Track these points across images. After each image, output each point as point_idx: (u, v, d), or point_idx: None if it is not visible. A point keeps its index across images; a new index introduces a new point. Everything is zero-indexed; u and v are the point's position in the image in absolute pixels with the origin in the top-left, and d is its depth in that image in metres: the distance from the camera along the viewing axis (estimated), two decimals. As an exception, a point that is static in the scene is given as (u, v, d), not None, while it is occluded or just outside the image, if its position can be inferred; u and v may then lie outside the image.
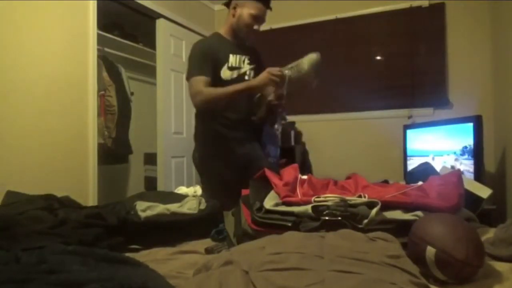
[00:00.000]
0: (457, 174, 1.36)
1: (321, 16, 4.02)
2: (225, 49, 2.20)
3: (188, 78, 2.11)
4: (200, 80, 2.05)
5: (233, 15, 2.20)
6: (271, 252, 0.97)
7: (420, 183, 1.44)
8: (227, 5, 2.27)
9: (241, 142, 2.24)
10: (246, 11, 2.16)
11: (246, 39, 2.28)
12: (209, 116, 2.23)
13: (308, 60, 2.01)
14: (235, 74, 2.21)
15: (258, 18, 2.19)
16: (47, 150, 2.66)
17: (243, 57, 2.25)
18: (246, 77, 2.25)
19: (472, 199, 1.63)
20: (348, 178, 1.66)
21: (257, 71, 2.24)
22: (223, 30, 2.28)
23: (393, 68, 3.73)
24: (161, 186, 3.74)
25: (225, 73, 2.17)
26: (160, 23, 3.82)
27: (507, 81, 2.83)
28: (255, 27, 2.20)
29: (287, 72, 2.01)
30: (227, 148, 2.22)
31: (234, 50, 2.22)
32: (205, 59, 2.10)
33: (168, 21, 3.88)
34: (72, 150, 2.85)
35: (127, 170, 4.58)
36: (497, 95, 3.20)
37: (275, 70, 1.96)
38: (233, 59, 2.20)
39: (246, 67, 2.26)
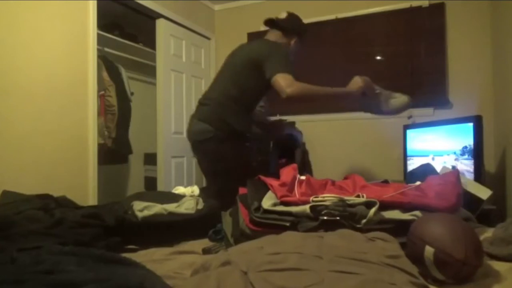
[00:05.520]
0: (455, 174, 1.35)
1: (321, 16, 4.01)
2: None
3: (280, 71, 2.12)
4: (291, 76, 2.10)
5: (289, 44, 2.41)
6: (269, 252, 0.97)
7: (418, 183, 1.44)
8: (285, 31, 2.40)
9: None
10: (297, 47, 2.45)
11: None
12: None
13: (403, 100, 2.22)
14: None
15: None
16: (47, 150, 2.66)
17: None
18: None
19: (472, 200, 1.63)
20: (346, 178, 1.66)
21: None
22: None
23: (393, 68, 3.72)
24: (161, 186, 3.74)
25: None
26: (160, 23, 3.82)
27: (507, 81, 2.82)
28: None
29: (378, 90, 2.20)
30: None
31: None
32: (291, 61, 2.23)
33: (168, 21, 3.88)
34: (72, 150, 2.85)
35: (127, 170, 4.58)
36: (497, 95, 3.19)
37: (367, 78, 2.13)
38: None
39: None
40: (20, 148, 2.50)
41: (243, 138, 2.32)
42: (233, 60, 2.37)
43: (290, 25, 2.43)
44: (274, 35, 2.41)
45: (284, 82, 2.06)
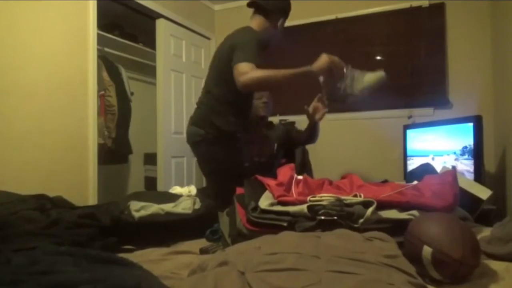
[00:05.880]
0: (453, 174, 1.35)
1: (321, 16, 4.01)
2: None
3: (242, 60, 1.97)
4: (251, 65, 1.94)
5: (275, 27, 2.31)
6: (267, 252, 0.97)
7: (415, 182, 1.44)
8: (268, 13, 2.29)
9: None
10: (282, 26, 2.35)
11: (272, 46, 2.37)
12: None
13: (378, 75, 1.99)
14: None
15: None
16: (47, 150, 2.66)
17: None
18: None
19: (472, 200, 1.62)
20: (343, 178, 1.66)
21: None
22: (257, 29, 2.26)
23: (393, 68, 3.71)
24: (161, 186, 3.74)
25: None
26: (160, 23, 3.82)
27: (507, 81, 2.82)
28: None
29: (348, 67, 1.97)
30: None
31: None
32: (259, 51, 2.07)
33: (168, 21, 3.88)
34: (72, 150, 2.85)
35: (127, 170, 4.58)
36: (497, 95, 3.18)
37: (336, 57, 1.94)
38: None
39: None
40: (20, 148, 2.50)
41: (233, 138, 2.26)
42: (214, 57, 2.31)
43: (273, 6, 2.29)
44: (257, 21, 2.28)
45: (241, 70, 1.91)
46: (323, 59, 1.93)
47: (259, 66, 1.95)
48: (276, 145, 2.84)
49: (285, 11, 2.36)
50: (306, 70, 1.94)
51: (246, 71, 1.90)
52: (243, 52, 1.99)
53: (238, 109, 2.26)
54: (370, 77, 1.96)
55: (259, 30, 2.24)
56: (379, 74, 1.97)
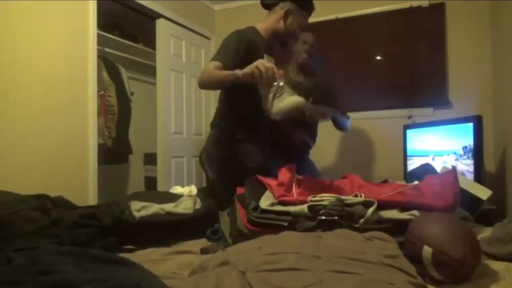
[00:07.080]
0: (453, 174, 1.35)
1: (321, 16, 4.00)
2: (262, 48, 2.14)
3: (210, 61, 2.00)
4: (214, 64, 1.93)
5: (284, 22, 2.16)
6: (267, 252, 0.97)
7: (416, 182, 1.44)
8: (269, 6, 2.21)
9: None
10: (296, 20, 2.17)
11: (288, 45, 2.30)
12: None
13: (294, 102, 1.72)
14: None
15: (303, 27, 2.24)
16: (47, 150, 2.66)
17: (272, 59, 2.25)
18: None
19: (472, 200, 1.63)
20: (344, 177, 1.66)
21: None
22: (261, 28, 2.20)
23: (393, 68, 3.72)
24: (161, 186, 3.74)
25: None
26: (160, 23, 3.82)
27: (507, 81, 2.82)
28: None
29: (279, 82, 1.74)
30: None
31: (268, 51, 2.16)
32: (236, 51, 1.99)
33: (168, 21, 3.88)
34: (72, 150, 2.85)
35: (127, 170, 4.58)
36: (497, 95, 3.18)
37: (267, 63, 1.77)
38: (266, 60, 2.21)
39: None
40: (20, 148, 2.50)
41: (233, 140, 2.24)
42: None
43: None
44: (263, 20, 2.23)
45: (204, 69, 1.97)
46: (251, 65, 1.80)
47: (233, 64, 1.92)
48: None
49: None
50: (234, 74, 1.87)
51: (203, 71, 1.97)
52: (216, 53, 2.03)
53: (238, 113, 2.25)
54: (287, 102, 1.73)
55: (265, 28, 2.20)
56: (296, 101, 1.72)
